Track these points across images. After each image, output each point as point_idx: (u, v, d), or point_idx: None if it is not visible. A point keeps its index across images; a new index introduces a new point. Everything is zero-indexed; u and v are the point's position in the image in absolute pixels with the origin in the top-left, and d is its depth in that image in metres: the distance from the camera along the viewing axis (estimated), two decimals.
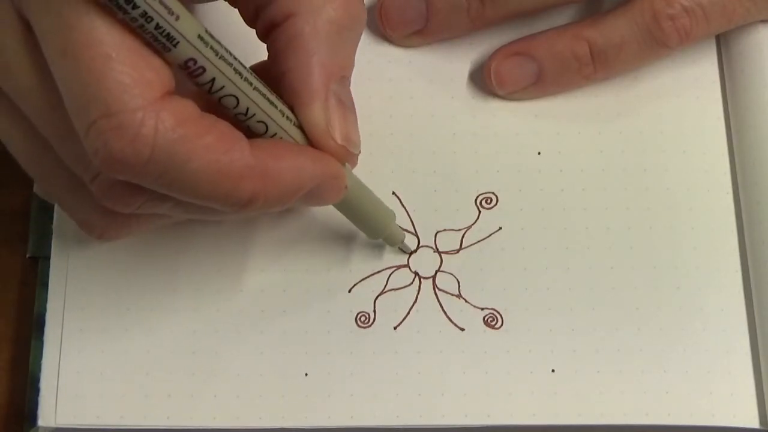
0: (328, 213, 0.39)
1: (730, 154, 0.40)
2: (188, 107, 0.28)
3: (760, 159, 0.39)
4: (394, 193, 0.39)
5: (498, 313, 0.38)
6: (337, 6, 0.32)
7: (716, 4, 0.38)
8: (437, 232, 0.39)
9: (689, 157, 0.40)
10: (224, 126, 0.29)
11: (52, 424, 0.37)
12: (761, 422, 0.37)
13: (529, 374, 0.37)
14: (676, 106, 0.41)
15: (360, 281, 0.39)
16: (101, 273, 0.38)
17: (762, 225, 0.38)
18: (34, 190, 0.40)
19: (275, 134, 0.31)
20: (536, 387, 0.37)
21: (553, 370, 0.38)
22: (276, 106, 0.31)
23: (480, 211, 0.39)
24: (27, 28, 0.28)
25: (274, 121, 0.31)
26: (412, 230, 0.39)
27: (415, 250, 0.39)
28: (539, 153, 0.40)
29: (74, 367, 0.38)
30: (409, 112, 0.40)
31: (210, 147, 0.28)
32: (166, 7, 0.27)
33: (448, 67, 0.41)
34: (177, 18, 0.27)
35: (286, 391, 0.37)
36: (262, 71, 0.32)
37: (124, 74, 0.27)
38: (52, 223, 0.39)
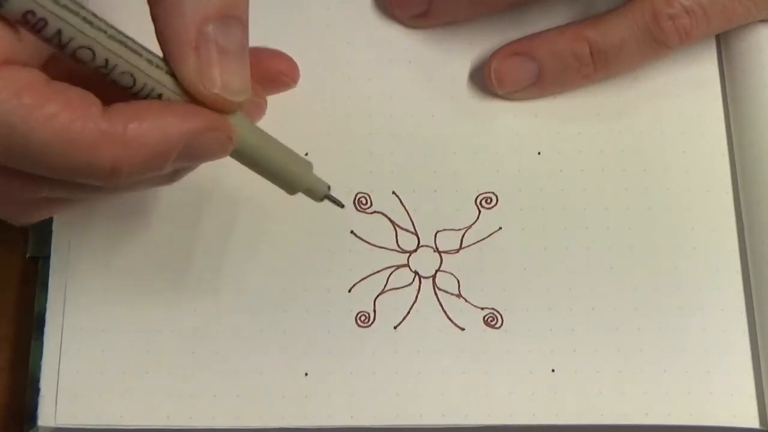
0: (328, 213, 0.39)
1: (730, 154, 0.40)
2: (29, 75, 0.27)
3: (760, 159, 0.39)
4: (394, 192, 0.39)
5: (498, 312, 0.38)
6: None
7: (716, 3, 0.38)
8: (437, 232, 0.39)
9: (689, 157, 0.40)
10: (74, 93, 0.27)
11: (52, 424, 0.37)
12: (761, 422, 0.37)
13: (529, 374, 0.37)
14: (676, 106, 0.41)
15: (360, 281, 0.39)
16: (101, 273, 0.39)
17: (762, 225, 0.38)
18: None
19: (145, 85, 0.28)
20: (536, 387, 0.37)
21: (553, 370, 0.38)
22: (141, 55, 0.28)
23: (480, 211, 0.39)
24: None
25: (142, 71, 0.28)
26: (412, 230, 0.39)
27: (415, 250, 0.39)
28: (539, 153, 0.40)
29: (74, 367, 0.38)
30: (409, 112, 0.40)
31: (54, 116, 0.26)
32: None
33: (448, 67, 0.41)
34: None
35: (286, 391, 0.37)
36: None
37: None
38: (52, 223, 0.39)
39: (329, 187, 0.34)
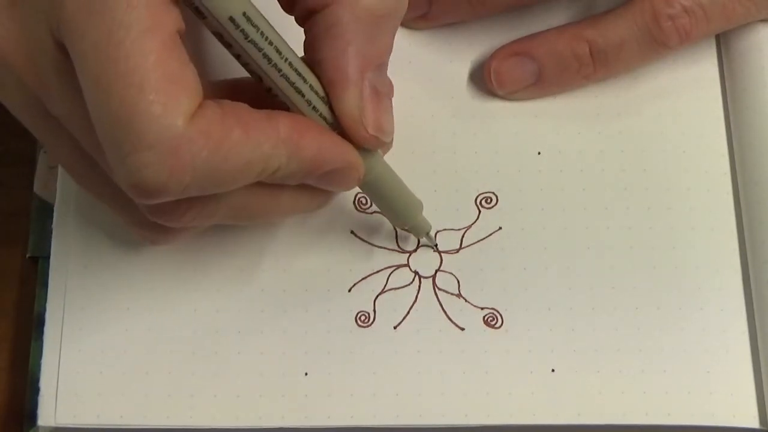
0: (329, 213, 0.39)
1: (730, 154, 0.40)
2: (214, 112, 0.28)
3: (760, 159, 0.39)
4: None
5: (498, 312, 0.38)
6: None
7: (716, 3, 0.38)
8: (437, 232, 0.39)
9: (689, 157, 0.40)
10: (246, 114, 0.29)
11: (51, 423, 0.37)
12: (761, 422, 0.37)
13: (529, 374, 0.37)
14: (676, 106, 0.41)
15: (360, 281, 0.39)
16: (101, 273, 0.39)
17: (762, 225, 0.38)
18: (35, 189, 0.40)
19: (304, 108, 0.31)
20: (536, 387, 0.37)
21: (553, 370, 0.38)
22: (305, 80, 0.31)
23: (480, 211, 0.39)
24: (65, 54, 0.28)
25: (303, 94, 0.31)
26: None
27: (415, 250, 0.39)
28: (539, 153, 0.40)
29: (74, 367, 0.38)
30: (409, 112, 0.40)
31: (240, 141, 0.28)
32: None
33: (448, 67, 0.41)
34: None
35: (286, 391, 0.37)
36: None
37: (156, 104, 0.26)
38: (52, 223, 0.39)
39: (430, 228, 0.38)
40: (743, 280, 0.39)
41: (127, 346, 0.38)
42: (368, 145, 0.32)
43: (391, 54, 0.40)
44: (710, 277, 0.39)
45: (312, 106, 0.31)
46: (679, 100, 0.41)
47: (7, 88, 0.30)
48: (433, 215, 0.39)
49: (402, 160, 0.40)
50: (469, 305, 0.38)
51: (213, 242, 0.39)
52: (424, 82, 0.41)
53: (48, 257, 0.39)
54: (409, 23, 0.41)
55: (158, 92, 0.26)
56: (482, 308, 0.38)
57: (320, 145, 0.31)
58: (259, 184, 0.30)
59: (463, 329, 0.38)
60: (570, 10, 0.42)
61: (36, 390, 0.37)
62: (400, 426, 0.37)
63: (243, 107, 0.29)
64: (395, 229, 0.39)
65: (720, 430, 0.37)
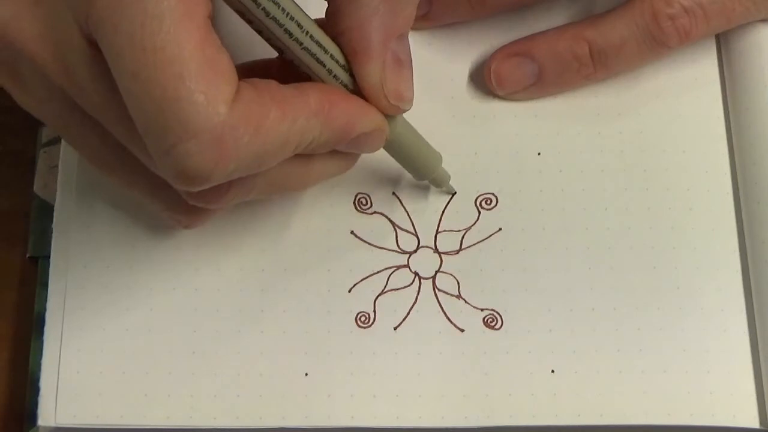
0: (329, 213, 0.39)
1: (730, 154, 0.40)
2: (251, 95, 0.28)
3: (760, 159, 0.39)
4: (394, 193, 0.39)
5: (498, 313, 0.38)
6: None
7: (716, 3, 0.38)
8: (437, 233, 0.39)
9: (689, 157, 0.40)
10: (278, 91, 0.29)
11: (51, 423, 0.37)
12: (761, 422, 0.37)
13: (528, 375, 0.37)
14: (676, 106, 0.41)
15: (360, 281, 0.39)
16: (101, 273, 0.39)
17: (762, 225, 0.38)
18: (35, 189, 0.40)
19: (327, 77, 0.32)
20: (536, 387, 0.37)
21: (552, 371, 0.38)
22: (327, 51, 0.31)
23: (480, 212, 0.39)
24: (95, 48, 0.28)
25: (325, 64, 0.31)
26: (412, 230, 0.39)
27: (415, 251, 0.39)
28: (539, 153, 0.40)
29: (74, 367, 0.38)
30: (410, 112, 0.40)
31: (278, 119, 0.28)
32: None
33: (448, 67, 0.41)
34: None
35: (286, 391, 0.37)
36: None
37: (198, 92, 0.26)
38: (52, 223, 0.39)
39: (450, 177, 0.38)
40: (743, 280, 0.39)
41: (127, 346, 0.38)
42: (389, 112, 0.33)
43: None
44: (710, 277, 0.39)
45: (333, 74, 0.31)
46: (679, 100, 0.41)
47: (30, 84, 0.30)
48: (433, 215, 0.39)
49: None
50: (468, 306, 0.38)
51: (212, 242, 0.39)
52: (424, 82, 0.41)
53: (48, 257, 0.39)
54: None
55: (198, 80, 0.26)
56: (482, 309, 0.38)
57: (349, 113, 0.31)
58: (294, 157, 0.30)
59: (462, 330, 0.38)
60: (570, 10, 0.41)
61: (36, 390, 0.37)
62: (400, 427, 0.37)
63: (274, 84, 0.29)
64: (395, 229, 0.39)
65: (720, 430, 0.37)
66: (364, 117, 0.32)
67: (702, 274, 0.39)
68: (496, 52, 0.40)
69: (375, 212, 0.39)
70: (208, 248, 0.39)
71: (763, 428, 0.37)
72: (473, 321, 0.38)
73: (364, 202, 0.39)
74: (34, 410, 0.37)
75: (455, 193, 0.39)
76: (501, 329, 0.38)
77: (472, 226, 0.39)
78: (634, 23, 0.38)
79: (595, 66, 0.39)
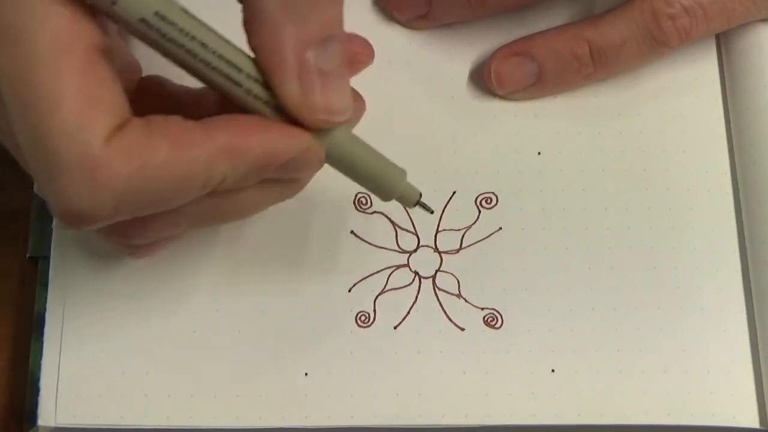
0: (329, 213, 0.39)
1: (730, 154, 0.40)
2: (139, 131, 0.27)
3: (760, 159, 0.39)
4: None
5: (498, 313, 0.38)
6: None
7: (716, 3, 0.38)
8: (437, 232, 0.39)
9: (689, 157, 0.40)
10: (177, 129, 0.28)
11: (51, 423, 0.37)
12: (761, 422, 0.37)
13: (529, 374, 0.37)
14: (676, 106, 0.41)
15: (360, 281, 0.39)
16: (101, 273, 0.39)
17: (762, 225, 0.38)
18: (35, 189, 0.40)
19: (243, 97, 0.30)
20: (536, 387, 0.37)
21: (553, 370, 0.38)
22: (241, 70, 0.29)
23: (480, 211, 0.39)
24: None
25: (240, 83, 0.29)
26: (412, 230, 0.39)
27: (415, 250, 0.39)
28: (539, 153, 0.40)
29: (74, 367, 0.38)
30: (409, 112, 0.40)
31: (169, 157, 0.27)
32: None
33: (448, 67, 0.41)
34: None
35: (286, 391, 0.37)
36: None
37: (69, 124, 0.25)
38: (52, 223, 0.39)
39: (421, 195, 0.34)
40: (743, 280, 0.39)
41: (127, 346, 0.38)
42: (321, 126, 0.30)
43: (391, 53, 0.41)
44: (710, 277, 0.39)
45: (253, 94, 0.29)
46: (679, 100, 0.41)
47: None
48: (433, 215, 0.39)
49: (402, 161, 0.40)
50: (469, 305, 0.38)
51: (211, 242, 0.39)
52: (424, 82, 0.41)
53: (48, 257, 0.39)
54: (409, 23, 0.41)
55: (71, 113, 0.25)
56: (482, 308, 0.38)
57: (267, 141, 0.29)
58: (214, 193, 0.29)
59: (463, 329, 0.38)
60: (570, 10, 0.42)
61: (36, 390, 0.37)
62: (400, 426, 0.37)
63: (175, 121, 0.28)
64: (395, 228, 0.39)
65: (720, 430, 0.37)
66: (285, 141, 0.29)
67: (702, 274, 0.39)
68: (496, 51, 0.40)
69: (375, 212, 0.39)
70: (207, 249, 0.39)
71: (763, 428, 0.37)
72: (473, 320, 0.38)
73: (364, 202, 0.39)
74: (34, 410, 0.37)
75: (432, 211, 0.36)
76: (501, 328, 0.38)
77: (473, 225, 0.39)
78: (634, 23, 0.38)
79: (595, 66, 0.39)
